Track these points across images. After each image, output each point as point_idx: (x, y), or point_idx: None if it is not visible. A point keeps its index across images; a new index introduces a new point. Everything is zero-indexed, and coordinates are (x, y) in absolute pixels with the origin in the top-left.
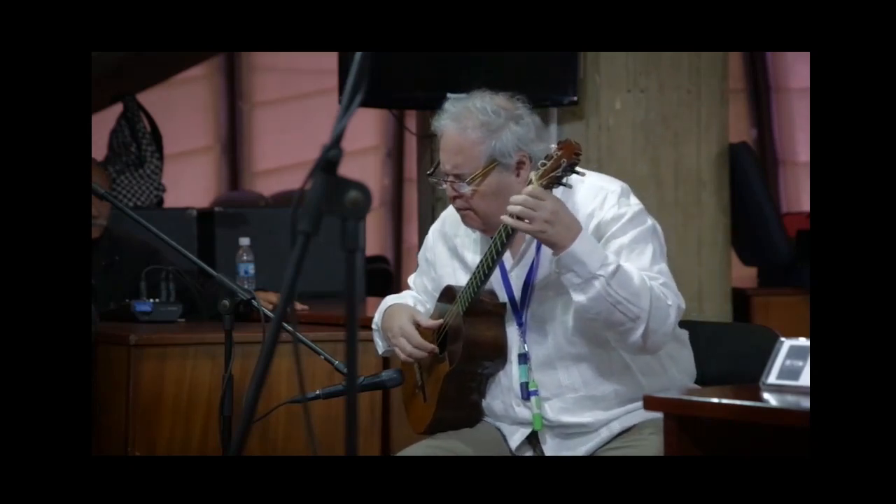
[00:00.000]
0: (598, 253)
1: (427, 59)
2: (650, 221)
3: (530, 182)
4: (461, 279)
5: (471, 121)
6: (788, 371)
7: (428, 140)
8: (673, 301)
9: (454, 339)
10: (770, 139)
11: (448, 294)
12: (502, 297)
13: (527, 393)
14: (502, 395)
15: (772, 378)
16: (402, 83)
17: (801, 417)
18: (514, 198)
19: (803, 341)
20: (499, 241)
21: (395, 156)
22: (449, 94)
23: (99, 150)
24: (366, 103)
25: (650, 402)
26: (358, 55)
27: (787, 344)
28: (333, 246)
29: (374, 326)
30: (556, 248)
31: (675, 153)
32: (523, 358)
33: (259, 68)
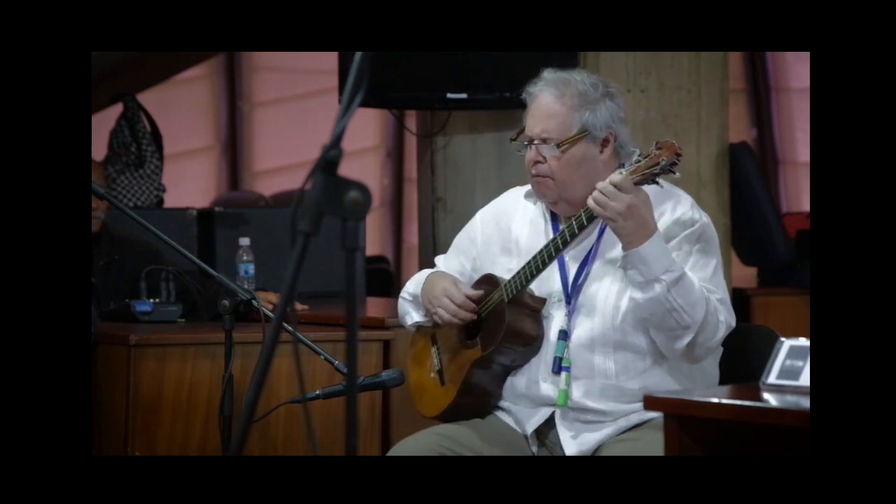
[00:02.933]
0: (666, 258)
1: (427, 59)
2: (716, 237)
3: (620, 172)
4: (504, 262)
5: (570, 89)
6: (788, 371)
7: (428, 140)
8: (724, 318)
9: (491, 326)
10: (770, 139)
11: (486, 283)
12: (555, 276)
13: (558, 367)
14: (528, 371)
15: (772, 378)
16: (402, 83)
17: (801, 417)
18: (600, 183)
19: (803, 341)
20: (566, 235)
21: (395, 156)
22: (449, 94)
23: (99, 150)
24: (366, 103)
25: (650, 402)
26: (358, 55)
27: (787, 344)
28: (333, 246)
29: (405, 296)
30: (625, 242)
31: None
32: (563, 334)
33: (259, 68)
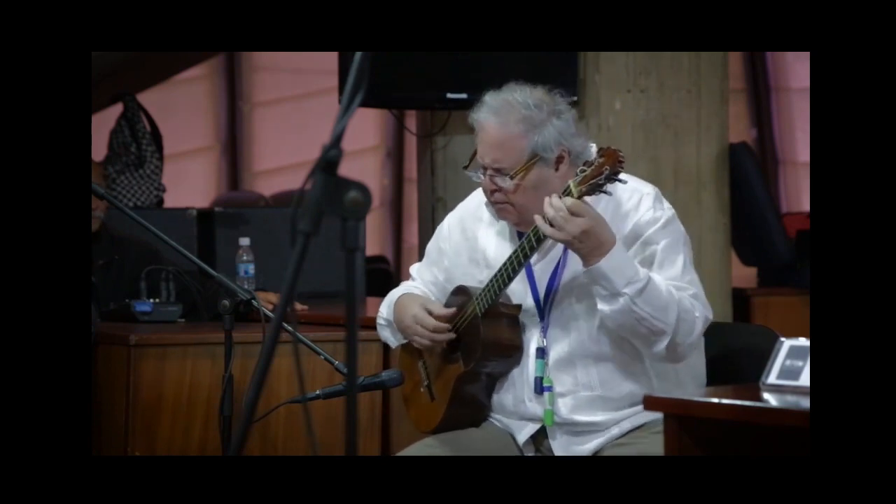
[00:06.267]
0: (628, 269)
1: (427, 59)
2: (682, 228)
3: (567, 190)
4: (473, 272)
5: (513, 115)
6: (788, 371)
7: (428, 140)
8: (700, 313)
9: (469, 340)
10: (770, 139)
11: (460, 294)
12: (525, 290)
13: (540, 388)
14: (514, 390)
15: (772, 378)
16: (402, 83)
17: (801, 417)
18: (553, 202)
19: (803, 341)
20: (527, 245)
21: (395, 156)
22: (449, 94)
23: (99, 150)
24: (366, 103)
25: (650, 403)
26: (358, 55)
27: (787, 344)
28: (333, 246)
29: (381, 321)
30: (585, 261)
31: (675, 153)
32: (541, 352)
33: (259, 68)
